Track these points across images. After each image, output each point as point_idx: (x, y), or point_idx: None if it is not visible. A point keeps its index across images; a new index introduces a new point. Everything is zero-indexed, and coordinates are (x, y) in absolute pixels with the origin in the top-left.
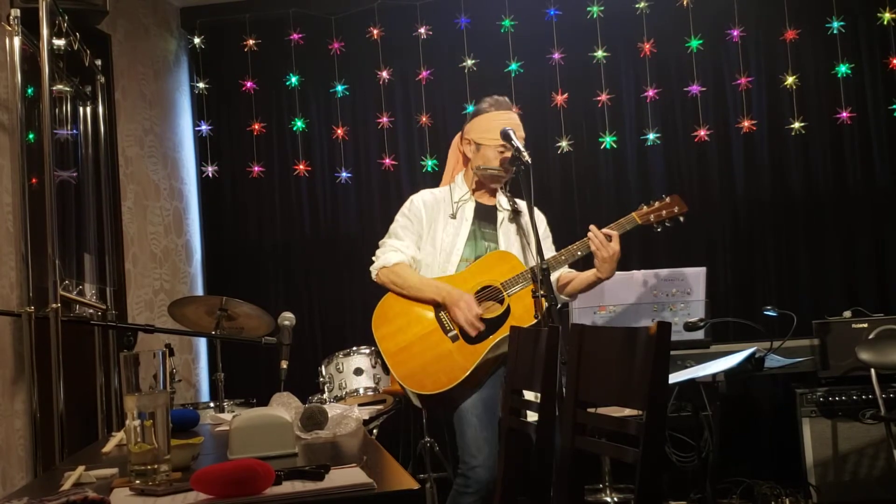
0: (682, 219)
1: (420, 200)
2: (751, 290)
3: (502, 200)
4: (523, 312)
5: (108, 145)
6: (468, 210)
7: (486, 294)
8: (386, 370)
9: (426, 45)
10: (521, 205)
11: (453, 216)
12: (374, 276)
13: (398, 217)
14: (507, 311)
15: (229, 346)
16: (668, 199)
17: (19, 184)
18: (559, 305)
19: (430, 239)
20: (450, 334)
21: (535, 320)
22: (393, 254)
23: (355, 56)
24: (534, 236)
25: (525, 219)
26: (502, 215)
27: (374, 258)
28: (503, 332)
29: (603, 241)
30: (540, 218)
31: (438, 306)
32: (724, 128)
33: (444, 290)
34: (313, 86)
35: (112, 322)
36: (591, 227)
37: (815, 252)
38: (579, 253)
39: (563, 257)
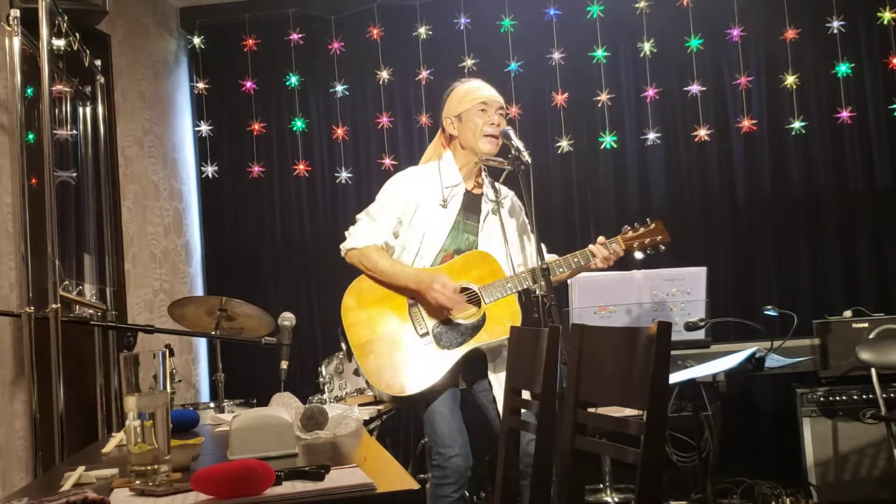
0: (662, 248)
1: (404, 182)
2: (751, 290)
3: (488, 191)
4: (498, 324)
5: (107, 145)
6: (457, 198)
7: (465, 296)
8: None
9: (426, 45)
10: (504, 194)
11: (444, 204)
12: (342, 253)
13: (379, 197)
14: (483, 318)
15: (229, 347)
16: (652, 225)
17: (19, 184)
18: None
19: (411, 223)
20: (421, 335)
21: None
22: (364, 235)
23: (355, 56)
24: (534, 236)
25: (506, 211)
26: (487, 207)
27: (346, 233)
28: (476, 340)
29: (610, 256)
30: (520, 208)
31: (412, 298)
32: (724, 128)
33: (417, 276)
34: (313, 86)
35: (112, 322)
36: (611, 243)
37: (815, 252)
38: (582, 263)
39: (562, 266)
